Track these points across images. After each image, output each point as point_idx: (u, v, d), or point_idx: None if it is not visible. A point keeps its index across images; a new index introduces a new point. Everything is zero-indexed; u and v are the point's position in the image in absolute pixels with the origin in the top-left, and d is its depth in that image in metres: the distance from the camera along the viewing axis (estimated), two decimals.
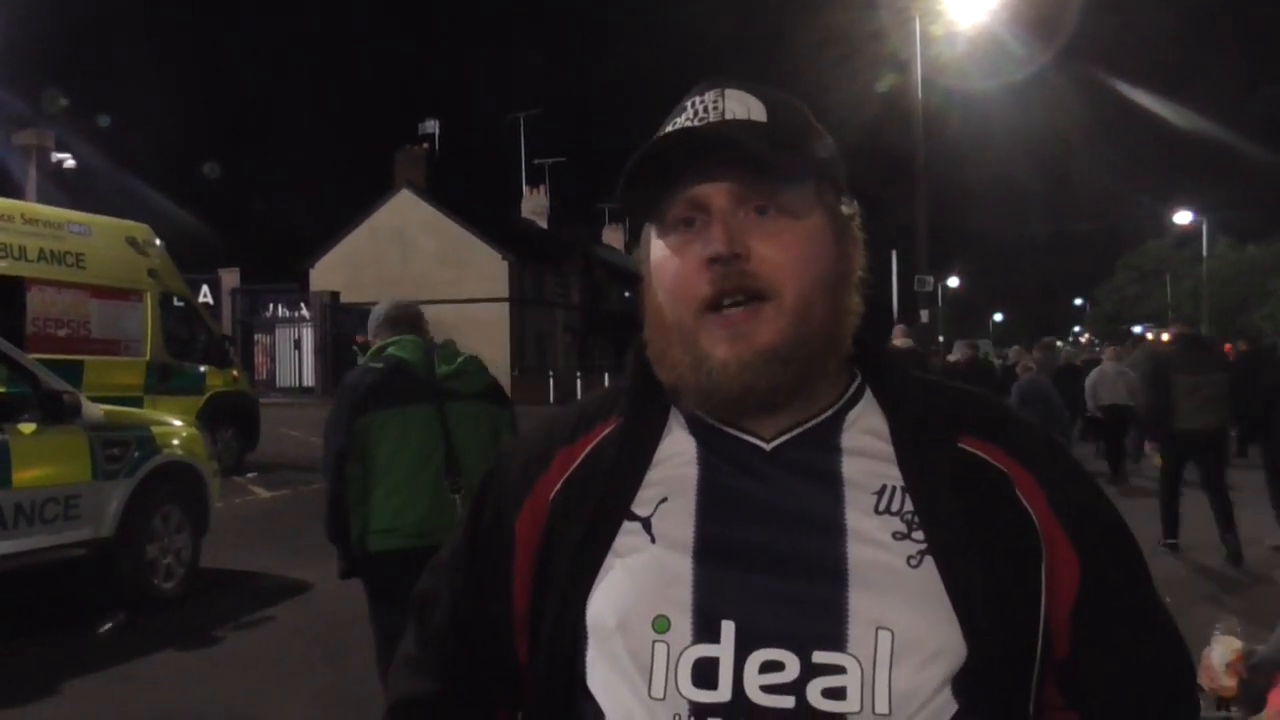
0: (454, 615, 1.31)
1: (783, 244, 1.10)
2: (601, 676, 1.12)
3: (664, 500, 1.15)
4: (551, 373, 41.32)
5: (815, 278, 1.11)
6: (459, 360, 4.33)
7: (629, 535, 1.14)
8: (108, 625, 6.98)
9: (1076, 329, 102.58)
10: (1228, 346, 18.10)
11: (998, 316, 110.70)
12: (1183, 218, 55.38)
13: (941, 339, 33.31)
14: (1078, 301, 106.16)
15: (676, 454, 1.18)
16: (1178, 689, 1.20)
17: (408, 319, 4.53)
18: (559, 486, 1.22)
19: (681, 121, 1.15)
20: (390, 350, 4.32)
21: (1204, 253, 53.72)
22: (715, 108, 1.14)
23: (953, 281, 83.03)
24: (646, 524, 1.14)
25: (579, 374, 40.75)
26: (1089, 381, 13.25)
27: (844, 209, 1.18)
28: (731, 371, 1.09)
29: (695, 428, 1.18)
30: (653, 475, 1.17)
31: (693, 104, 1.16)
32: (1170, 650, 1.21)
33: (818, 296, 1.11)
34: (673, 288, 1.13)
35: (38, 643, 6.79)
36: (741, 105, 1.14)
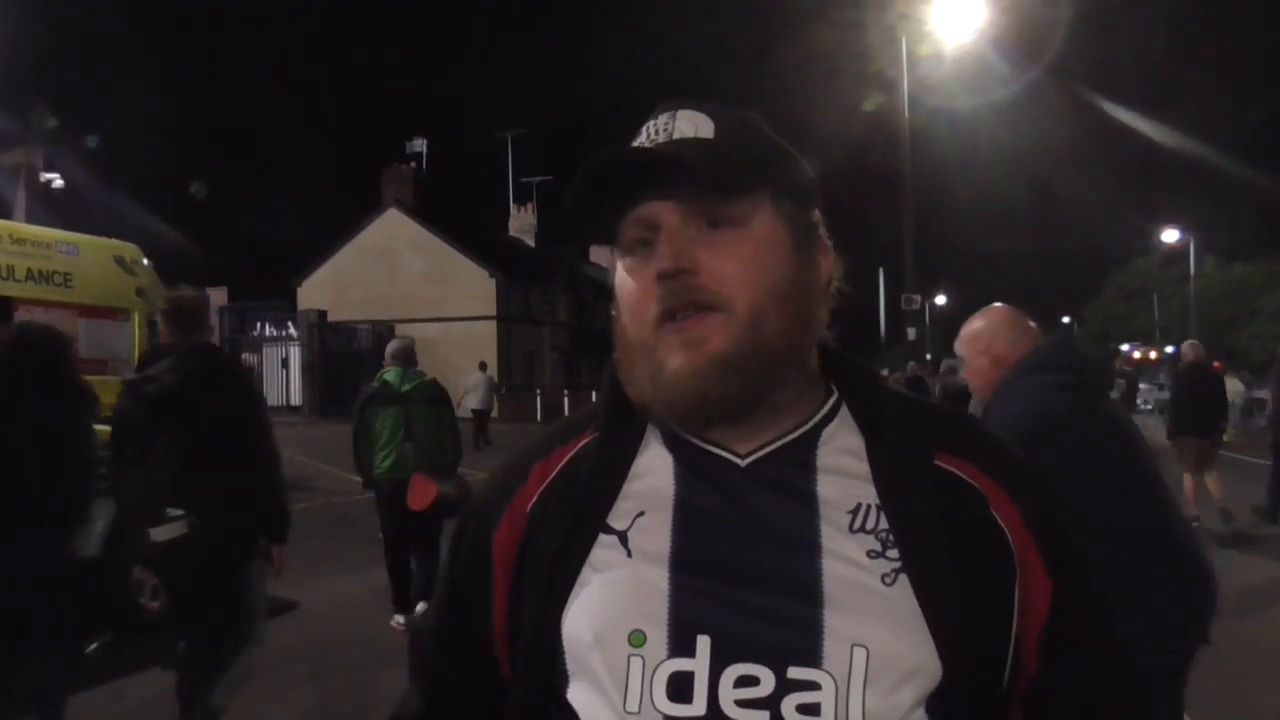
0: (439, 633, 1.32)
1: (731, 255, 1.10)
2: (578, 690, 1.13)
3: (641, 514, 1.15)
4: (538, 390, 41.30)
5: (768, 287, 1.11)
6: (415, 382, 7.74)
7: (605, 549, 1.14)
8: (94, 645, 6.94)
9: None
10: (1217, 364, 18.23)
11: None
12: (1170, 236, 55.52)
13: (929, 356, 33.38)
14: (1065, 320, 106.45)
15: (653, 468, 1.18)
16: (1136, 714, 1.22)
17: (401, 355, 7.84)
18: (535, 499, 1.23)
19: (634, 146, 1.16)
20: (383, 375, 7.80)
21: (1191, 271, 53.86)
22: (665, 129, 1.15)
23: (940, 299, 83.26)
24: (623, 538, 1.14)
25: (566, 391, 40.71)
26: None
27: (808, 218, 1.19)
28: (684, 380, 1.09)
29: (671, 443, 1.19)
30: (629, 489, 1.17)
31: (647, 129, 1.17)
32: (1129, 677, 1.22)
33: (771, 306, 1.11)
34: (630, 307, 1.15)
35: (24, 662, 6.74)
36: (690, 124, 1.15)
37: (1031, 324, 3.42)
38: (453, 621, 1.30)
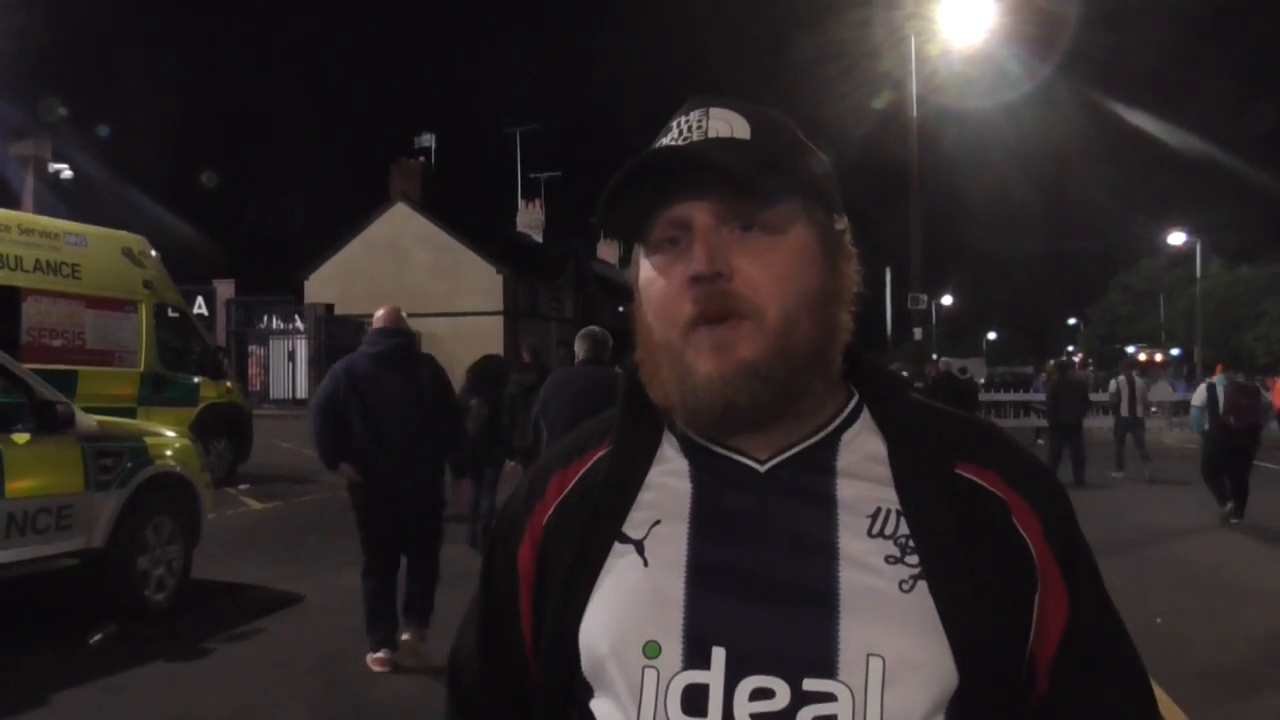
0: (480, 656, 1.31)
1: (766, 262, 1.08)
2: (598, 701, 1.11)
3: (657, 523, 1.13)
4: None
5: (799, 295, 1.09)
6: None
7: (621, 557, 1.13)
8: (98, 636, 6.96)
9: (1070, 348, 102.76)
10: (1220, 366, 18.26)
11: (991, 334, 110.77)
12: (1177, 238, 55.39)
13: (935, 356, 33.33)
14: (1071, 321, 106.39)
15: (669, 476, 1.16)
16: None
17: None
18: (552, 510, 1.21)
19: (666, 141, 1.14)
20: None
21: (1198, 273, 53.69)
22: (699, 127, 1.13)
23: (947, 299, 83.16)
24: (639, 547, 1.12)
25: None
26: None
27: (835, 225, 1.16)
28: (714, 386, 1.07)
29: (689, 449, 1.17)
30: (645, 497, 1.15)
31: (678, 123, 1.15)
32: (1144, 693, 1.20)
33: (802, 315, 1.09)
34: (659, 308, 1.12)
35: (28, 653, 6.76)
36: (725, 123, 1.13)
37: (401, 316, 6.62)
38: (494, 642, 1.29)
